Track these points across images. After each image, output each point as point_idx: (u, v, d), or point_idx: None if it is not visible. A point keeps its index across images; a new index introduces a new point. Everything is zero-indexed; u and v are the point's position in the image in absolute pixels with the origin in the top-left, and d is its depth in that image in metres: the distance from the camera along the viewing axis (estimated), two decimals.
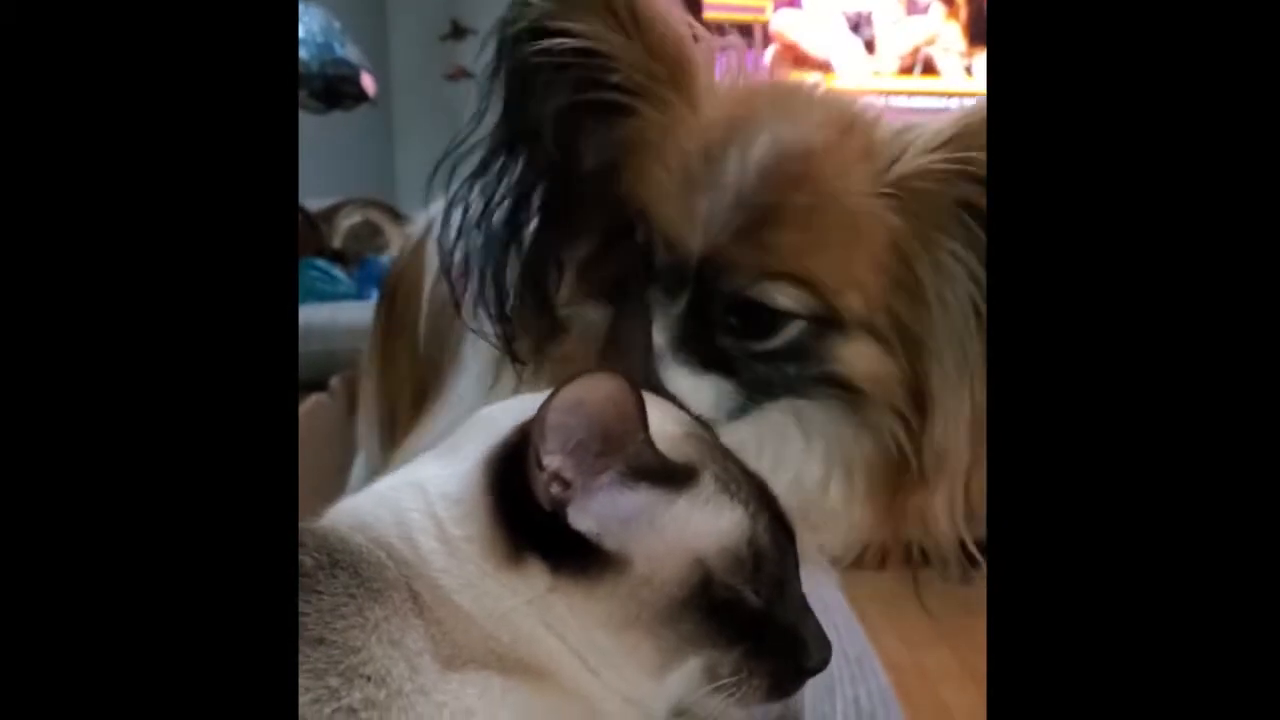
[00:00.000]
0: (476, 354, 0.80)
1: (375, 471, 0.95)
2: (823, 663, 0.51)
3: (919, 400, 0.67)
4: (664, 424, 0.52)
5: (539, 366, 0.72)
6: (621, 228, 0.68)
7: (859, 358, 0.66)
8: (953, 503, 0.69)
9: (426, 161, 0.78)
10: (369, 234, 2.69)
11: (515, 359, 0.71)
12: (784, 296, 0.64)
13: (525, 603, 0.48)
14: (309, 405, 1.48)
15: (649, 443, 0.49)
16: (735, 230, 0.64)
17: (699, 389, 0.65)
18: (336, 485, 1.12)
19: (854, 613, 0.95)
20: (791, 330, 0.65)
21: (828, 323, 0.65)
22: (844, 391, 0.67)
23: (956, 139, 0.64)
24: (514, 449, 0.49)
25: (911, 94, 2.84)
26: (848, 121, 0.67)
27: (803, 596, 0.53)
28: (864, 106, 0.69)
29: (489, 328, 0.73)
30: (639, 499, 0.49)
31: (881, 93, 2.79)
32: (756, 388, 0.67)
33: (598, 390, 0.47)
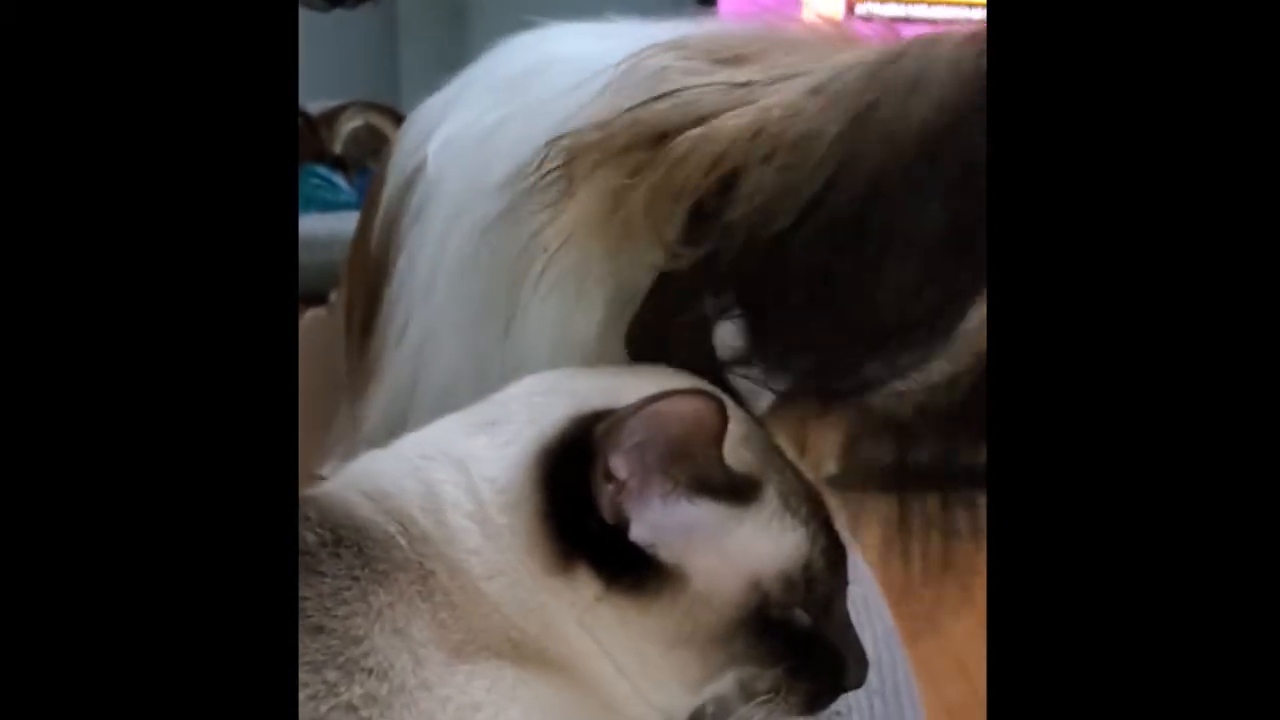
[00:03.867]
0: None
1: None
2: (860, 682, 0.49)
3: None
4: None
5: None
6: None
7: None
8: None
9: (432, 63, 0.73)
10: (371, 139, 2.62)
11: None
12: None
13: (569, 606, 0.45)
14: (307, 320, 1.44)
15: (719, 458, 0.46)
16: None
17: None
18: (334, 404, 1.09)
19: (858, 546, 0.93)
20: None
21: None
22: None
23: None
24: (571, 446, 0.46)
25: (931, 2, 2.75)
26: None
27: (846, 614, 0.51)
28: None
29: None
30: (701, 513, 0.46)
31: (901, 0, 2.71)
32: None
33: (685, 409, 0.44)
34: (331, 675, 0.40)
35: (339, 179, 2.45)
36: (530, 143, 0.61)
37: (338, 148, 2.63)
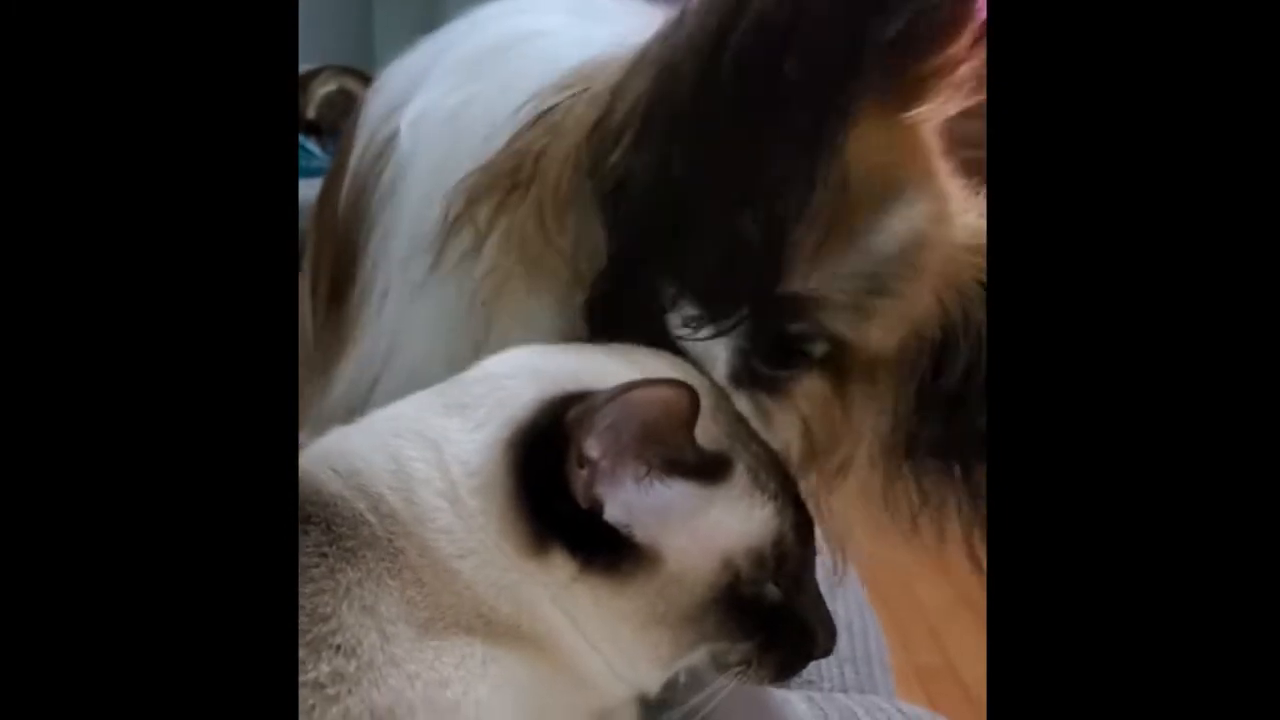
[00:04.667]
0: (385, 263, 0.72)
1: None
2: (829, 651, 0.50)
3: (837, 436, 0.65)
4: None
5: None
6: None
7: (816, 391, 0.63)
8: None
9: (406, 27, 0.72)
10: (345, 104, 2.58)
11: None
12: (823, 349, 0.61)
13: (542, 587, 0.45)
14: None
15: (691, 440, 0.46)
16: (854, 300, 0.59)
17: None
18: (305, 371, 1.07)
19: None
20: (795, 370, 0.62)
21: (822, 365, 0.62)
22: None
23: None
24: (543, 433, 0.45)
25: None
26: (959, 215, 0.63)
27: (816, 584, 0.51)
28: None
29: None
30: (674, 494, 0.46)
31: None
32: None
33: (656, 396, 0.44)
34: (300, 653, 0.40)
35: (312, 144, 2.42)
36: (496, 125, 0.62)
37: (311, 112, 2.59)
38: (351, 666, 0.41)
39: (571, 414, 0.44)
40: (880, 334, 0.61)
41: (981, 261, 0.61)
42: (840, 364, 0.62)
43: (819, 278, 0.57)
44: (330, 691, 0.40)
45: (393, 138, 0.72)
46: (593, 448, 0.44)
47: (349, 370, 0.72)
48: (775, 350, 0.61)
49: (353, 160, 0.76)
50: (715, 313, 0.56)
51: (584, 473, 0.45)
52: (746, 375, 0.60)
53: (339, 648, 0.41)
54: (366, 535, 0.44)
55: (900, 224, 0.59)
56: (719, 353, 0.59)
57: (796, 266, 0.56)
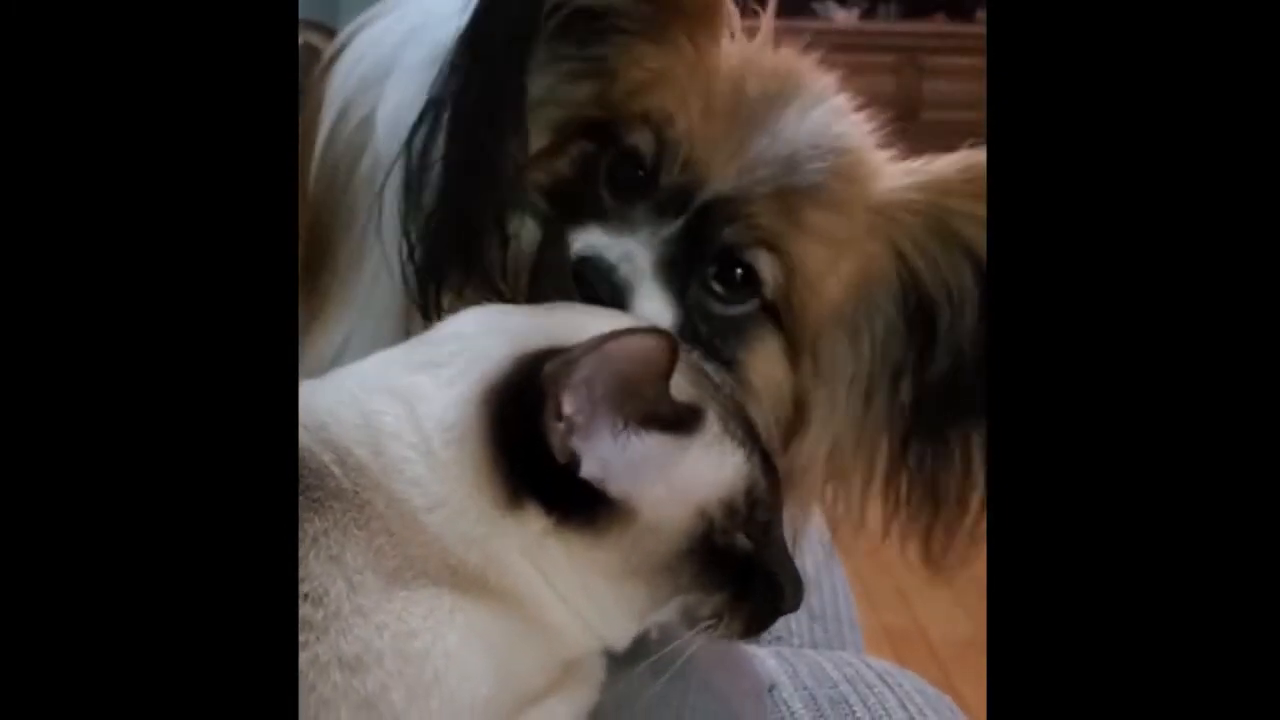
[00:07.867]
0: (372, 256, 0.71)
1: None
2: (797, 605, 0.50)
3: (797, 416, 0.65)
4: None
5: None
6: (584, 128, 0.63)
7: (771, 356, 0.63)
8: (794, 521, 0.68)
9: None
10: (308, 58, 2.54)
11: (426, 312, 0.63)
12: (771, 273, 0.61)
13: (514, 540, 0.45)
14: None
15: (666, 391, 0.46)
16: (777, 188, 0.60)
17: (664, 320, 0.60)
18: None
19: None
20: (748, 307, 0.62)
21: (773, 313, 0.62)
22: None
23: (949, 185, 0.61)
24: (517, 387, 0.45)
25: None
26: (870, 130, 0.65)
27: (784, 538, 0.51)
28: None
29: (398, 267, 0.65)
30: (649, 446, 0.46)
31: None
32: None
33: (635, 346, 0.44)
34: None
35: None
36: None
37: None
38: (319, 615, 0.41)
39: (549, 368, 0.43)
40: (824, 269, 0.61)
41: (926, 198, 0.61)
42: (785, 316, 0.62)
43: (737, 174, 0.60)
44: (300, 639, 0.40)
45: (367, 121, 0.71)
46: (570, 402, 0.44)
47: (336, 336, 0.71)
48: (722, 269, 0.61)
49: (321, 137, 0.75)
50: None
51: (561, 426, 0.44)
52: (703, 321, 0.61)
53: (306, 596, 0.41)
54: (333, 487, 0.44)
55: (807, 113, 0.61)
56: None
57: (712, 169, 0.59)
